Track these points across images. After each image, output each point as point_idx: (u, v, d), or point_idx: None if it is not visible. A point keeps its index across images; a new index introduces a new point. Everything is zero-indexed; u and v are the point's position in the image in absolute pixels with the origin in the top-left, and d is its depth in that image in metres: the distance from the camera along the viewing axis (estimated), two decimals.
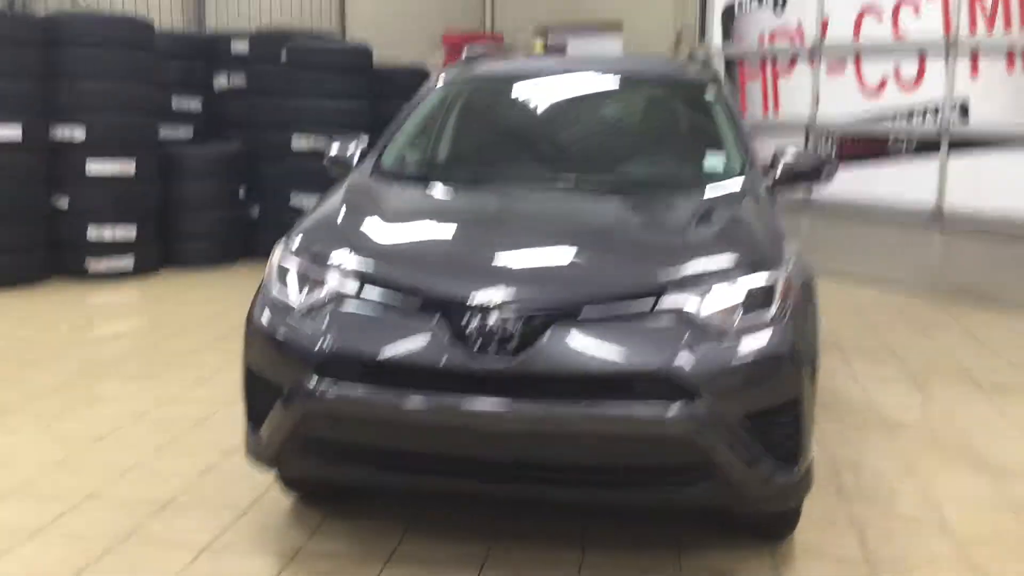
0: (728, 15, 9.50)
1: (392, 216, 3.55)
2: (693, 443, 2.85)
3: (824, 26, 8.59)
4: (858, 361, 5.91)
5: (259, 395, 3.17)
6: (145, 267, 8.03)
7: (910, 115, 8.05)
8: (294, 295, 3.20)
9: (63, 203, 7.71)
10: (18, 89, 7.39)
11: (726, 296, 3.01)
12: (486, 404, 2.86)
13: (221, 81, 9.21)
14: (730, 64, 9.54)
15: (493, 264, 3.18)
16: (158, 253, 8.23)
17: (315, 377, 2.99)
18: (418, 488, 3.42)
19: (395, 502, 3.67)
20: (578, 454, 2.95)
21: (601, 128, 4.44)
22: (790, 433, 3.01)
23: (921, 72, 7.94)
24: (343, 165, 4.24)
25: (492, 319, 2.89)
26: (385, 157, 4.15)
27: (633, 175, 4.09)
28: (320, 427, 3.03)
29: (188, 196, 8.41)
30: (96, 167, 7.73)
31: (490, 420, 2.86)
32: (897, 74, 8.11)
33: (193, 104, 9.07)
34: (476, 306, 2.93)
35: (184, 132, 8.95)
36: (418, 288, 3.04)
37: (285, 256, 3.35)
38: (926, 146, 7.94)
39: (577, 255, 3.23)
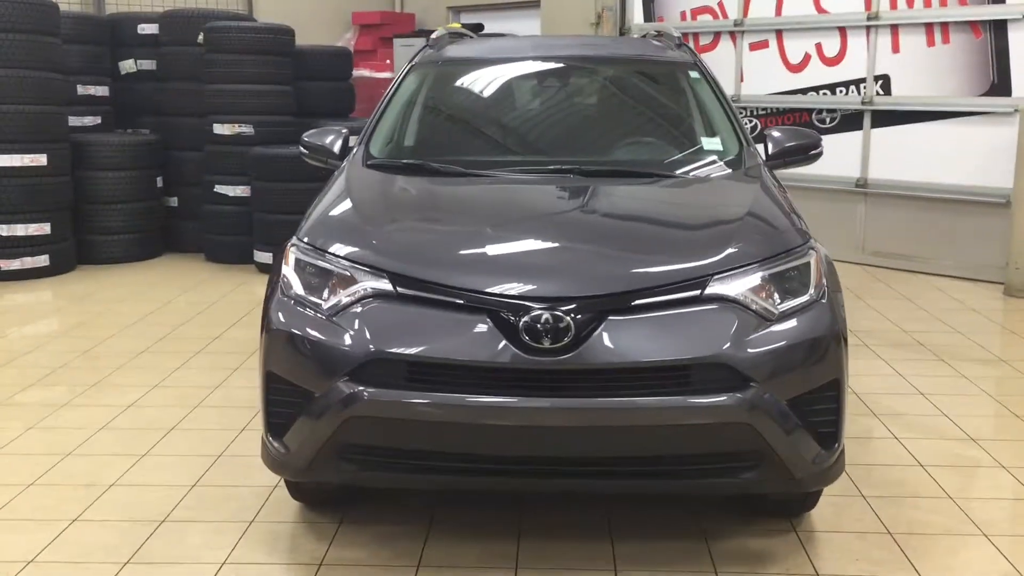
0: None
1: (410, 209, 3.41)
2: (750, 429, 2.82)
3: (746, 3, 8.71)
4: None
5: (284, 402, 2.99)
6: (61, 265, 7.58)
7: (833, 90, 8.25)
8: (320, 294, 3.03)
9: None
10: None
11: (767, 279, 3.00)
12: (543, 402, 2.77)
13: (128, 65, 8.73)
14: None
15: (539, 258, 3.11)
16: (74, 250, 7.78)
17: (356, 380, 2.84)
18: (462, 488, 3.30)
19: (410, 504, 3.54)
20: (634, 446, 2.89)
21: (596, 112, 4.36)
22: (831, 413, 3.02)
23: (843, 48, 8.14)
24: (323, 154, 4.05)
25: (545, 315, 2.80)
26: (373, 146, 3.97)
27: (640, 159, 4.03)
28: (361, 433, 2.88)
29: (102, 188, 7.95)
30: (5, 161, 7.22)
31: (547, 417, 2.78)
32: (820, 50, 8.29)
33: (99, 90, 8.57)
34: (528, 302, 2.84)
35: (91, 120, 8.45)
36: (464, 286, 2.91)
37: (303, 252, 3.17)
38: (850, 120, 8.16)
39: (620, 246, 3.18)
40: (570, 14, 10.30)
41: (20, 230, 7.29)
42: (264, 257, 7.47)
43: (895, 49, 7.83)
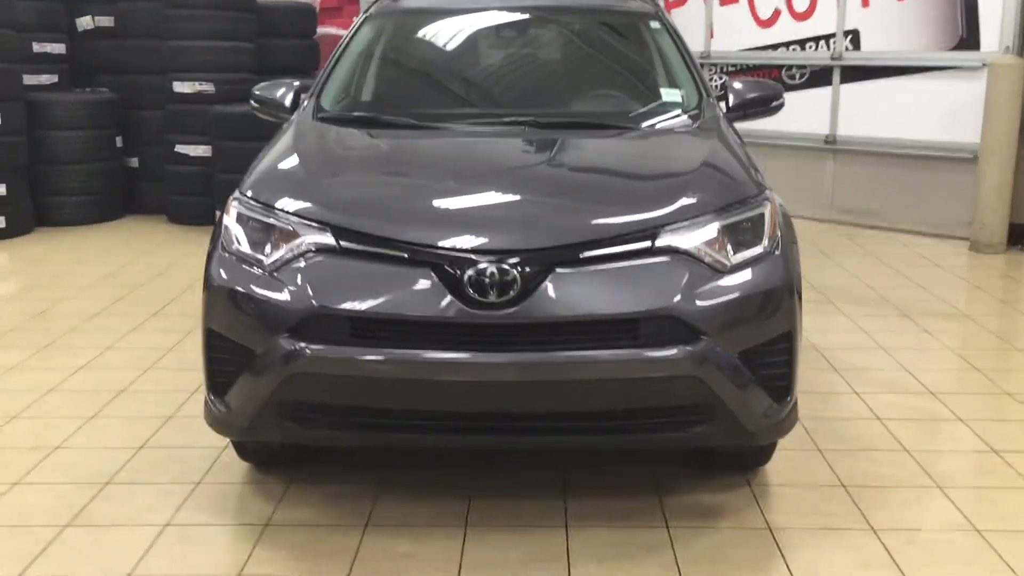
0: None
1: (357, 163, 3.33)
2: (700, 382, 2.78)
3: None
4: None
5: (226, 360, 2.91)
6: (18, 227, 7.41)
7: (803, 45, 8.16)
8: (261, 249, 2.94)
9: None
10: None
11: (720, 231, 2.93)
12: (489, 357, 2.72)
13: (85, 22, 8.52)
14: None
15: (485, 211, 3.04)
16: (31, 212, 7.62)
17: (298, 337, 2.76)
18: (409, 446, 3.25)
19: (360, 464, 3.49)
20: (583, 400, 2.84)
21: (552, 63, 4.27)
22: (783, 366, 2.98)
23: (813, 3, 8.04)
24: (274, 107, 3.94)
25: (491, 268, 2.73)
26: (325, 99, 3.86)
27: (596, 111, 3.95)
28: (303, 390, 2.81)
29: (59, 148, 7.77)
30: None
31: (493, 372, 2.72)
32: (790, 5, 8.19)
33: (56, 48, 8.35)
34: (473, 255, 2.77)
35: (47, 79, 8.24)
36: (408, 239, 2.84)
37: (245, 207, 3.08)
38: (819, 76, 8.09)
39: (569, 197, 3.11)
40: None
41: None
42: None
43: (865, 3, 7.75)
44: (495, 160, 3.45)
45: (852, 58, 7.83)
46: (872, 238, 7.52)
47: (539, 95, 4.04)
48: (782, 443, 3.57)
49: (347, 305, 2.76)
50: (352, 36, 4.19)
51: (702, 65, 8.70)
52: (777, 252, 2.99)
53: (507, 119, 3.70)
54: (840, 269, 6.60)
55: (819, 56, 8.01)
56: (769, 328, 2.91)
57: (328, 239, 2.87)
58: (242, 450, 3.38)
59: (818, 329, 5.17)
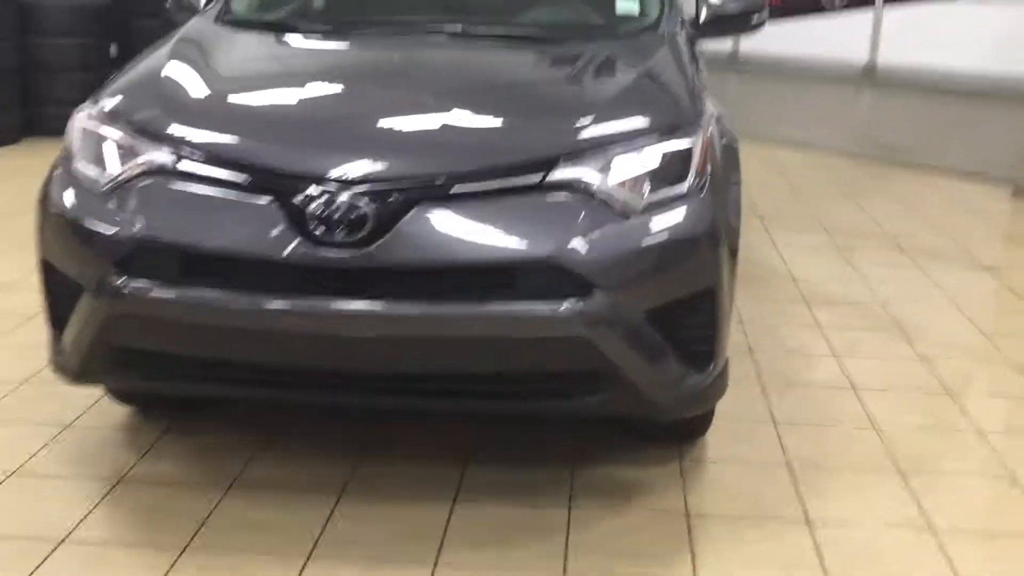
0: None
1: (230, 72, 2.90)
2: (590, 345, 2.34)
3: None
4: (779, 230, 5.49)
5: (59, 294, 2.56)
6: (6, 136, 7.19)
7: None
8: (99, 169, 2.56)
9: None
10: None
11: (632, 166, 2.46)
12: (334, 305, 2.31)
13: None
14: None
15: (343, 130, 2.58)
16: (20, 120, 7.37)
17: (125, 272, 2.39)
18: (262, 400, 2.91)
19: (249, 414, 3.15)
20: (445, 361, 2.43)
21: None
22: (703, 329, 2.53)
23: None
24: (189, 10, 3.54)
25: (339, 198, 2.30)
26: (237, 2, 3.43)
27: (529, 21, 3.45)
28: (128, 334, 2.45)
29: (50, 55, 7.48)
30: None
31: (338, 324, 2.32)
32: None
33: None
34: (319, 182, 2.34)
35: None
36: (247, 160, 2.43)
37: (90, 119, 2.69)
38: None
39: (450, 117, 2.64)
40: None
41: None
42: None
43: None
44: (381, 73, 2.99)
45: None
46: (904, 178, 6.90)
47: (480, 4, 3.56)
48: (732, 412, 3.16)
49: (175, 237, 2.37)
50: None
51: None
52: (704, 193, 2.51)
53: (433, 28, 3.24)
54: (858, 211, 6.03)
55: None
56: (686, 283, 2.46)
57: (165, 156, 2.48)
58: (117, 395, 3.06)
59: (817, 279, 4.68)
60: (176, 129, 2.52)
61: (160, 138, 2.51)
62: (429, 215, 2.32)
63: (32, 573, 2.37)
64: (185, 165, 2.45)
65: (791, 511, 2.73)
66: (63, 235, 2.54)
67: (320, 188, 2.32)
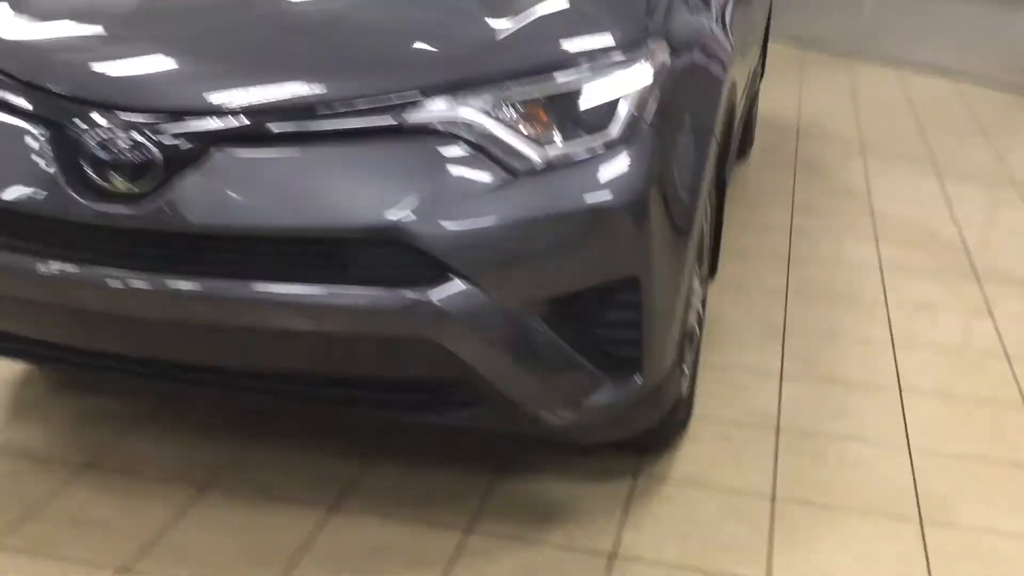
0: None
1: None
2: (438, 348, 1.78)
3: None
4: (883, 171, 4.64)
5: None
6: None
7: None
8: None
9: None
10: None
11: (534, 104, 1.83)
12: (111, 274, 1.80)
13: None
14: None
15: (136, 49, 2.00)
16: None
17: None
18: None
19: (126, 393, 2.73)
20: (262, 356, 1.90)
21: None
22: (623, 329, 1.91)
23: None
24: None
25: (120, 133, 1.77)
26: None
27: None
28: None
29: None
30: None
31: (110, 299, 1.82)
32: None
33: None
34: (98, 109, 1.81)
35: None
36: (17, 77, 1.91)
37: None
38: None
39: (274, 38, 2.02)
40: None
41: None
42: None
43: None
44: None
45: None
46: None
47: None
48: (727, 415, 2.53)
49: None
50: None
51: None
52: (641, 145, 1.85)
53: None
54: (994, 158, 5.05)
55: None
56: (598, 269, 1.83)
57: None
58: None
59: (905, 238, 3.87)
60: None
61: None
62: (234, 162, 1.76)
63: None
64: None
65: (750, 562, 2.11)
66: None
67: (98, 118, 1.78)
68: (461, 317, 1.73)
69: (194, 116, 1.78)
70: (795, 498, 2.32)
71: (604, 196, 1.80)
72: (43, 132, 1.83)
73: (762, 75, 5.13)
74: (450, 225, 1.72)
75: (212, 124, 1.78)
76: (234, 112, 1.79)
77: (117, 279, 1.78)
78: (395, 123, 1.77)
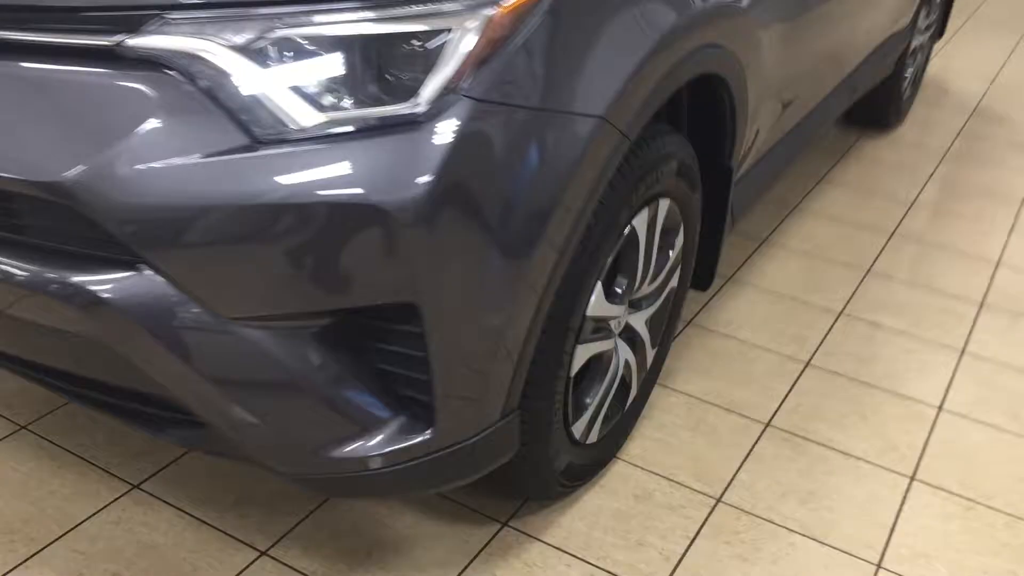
0: None
1: None
2: (106, 349, 1.38)
3: None
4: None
5: None
6: None
7: None
8: None
9: None
10: None
11: (310, 48, 1.33)
12: None
13: None
14: None
15: None
16: None
17: None
18: None
19: None
20: None
21: None
22: (400, 364, 1.42)
23: None
24: None
25: None
26: None
27: None
28: None
29: None
30: None
31: None
32: None
33: None
34: None
35: None
36: None
37: None
38: None
39: None
40: None
41: None
42: None
43: None
44: None
45: None
46: None
47: None
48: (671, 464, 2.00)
49: None
50: None
51: None
52: (441, 127, 1.32)
53: None
54: None
55: None
56: (357, 287, 1.34)
57: None
58: None
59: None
60: None
61: None
62: None
63: None
64: None
65: None
66: None
67: None
68: (139, 316, 1.31)
69: None
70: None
71: (371, 189, 1.29)
72: None
73: (940, 33, 4.23)
74: (141, 194, 1.28)
75: None
76: None
77: None
78: (109, 46, 1.33)
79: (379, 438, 1.44)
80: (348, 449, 1.43)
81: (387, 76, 1.34)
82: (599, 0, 1.49)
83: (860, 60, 3.06)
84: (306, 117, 1.31)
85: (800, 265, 2.99)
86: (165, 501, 1.89)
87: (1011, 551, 1.99)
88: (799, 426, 2.28)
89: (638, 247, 1.83)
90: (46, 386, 1.62)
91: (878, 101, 3.76)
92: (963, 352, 2.61)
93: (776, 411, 2.32)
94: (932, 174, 3.67)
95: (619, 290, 1.85)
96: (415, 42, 1.33)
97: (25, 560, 1.74)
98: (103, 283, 1.31)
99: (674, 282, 2.09)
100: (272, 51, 1.32)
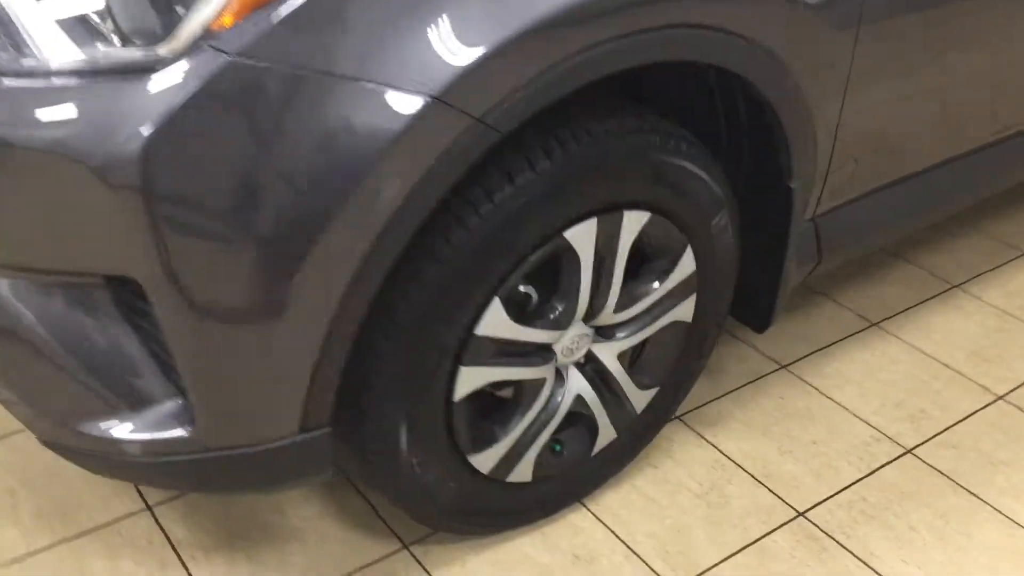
0: None
1: None
2: None
3: None
4: None
5: None
6: None
7: None
8: None
9: None
10: None
11: None
12: None
13: None
14: None
15: None
16: None
17: None
18: None
19: None
20: None
21: None
22: (158, 346, 1.24)
23: None
24: None
25: None
26: None
27: None
28: None
29: None
30: None
31: None
32: None
33: None
34: None
35: None
36: None
37: None
38: None
39: None
40: None
41: None
42: None
43: None
44: None
45: None
46: None
47: None
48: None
49: None
50: None
51: None
52: (187, 73, 1.08)
53: None
54: None
55: None
56: (74, 250, 1.17)
57: None
58: None
59: None
60: None
61: None
62: None
63: None
64: None
65: None
66: None
67: None
68: None
69: None
70: None
71: (79, 139, 1.09)
72: None
73: None
74: None
75: None
76: None
77: None
78: None
79: (135, 423, 1.28)
80: (100, 427, 1.29)
81: (146, 16, 1.15)
82: None
83: None
84: (52, 52, 1.16)
85: (987, 324, 2.35)
86: None
87: None
88: (841, 527, 1.78)
89: (578, 266, 1.48)
90: None
91: None
92: None
93: (823, 501, 1.84)
94: None
95: (552, 315, 1.52)
96: None
97: None
98: None
99: (683, 315, 1.70)
100: None
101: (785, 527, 1.78)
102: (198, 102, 1.10)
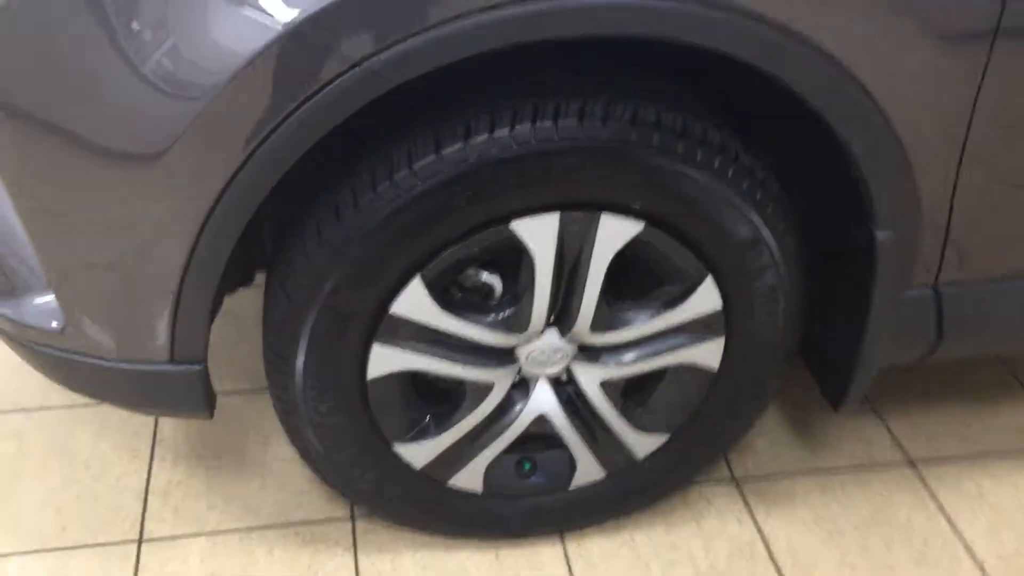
0: None
1: None
2: None
3: None
4: None
5: None
6: None
7: None
8: None
9: None
10: None
11: None
12: None
13: None
14: None
15: None
16: None
17: None
18: None
19: None
20: None
21: None
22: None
23: None
24: None
25: None
26: None
27: None
28: None
29: None
30: None
31: None
32: None
33: None
34: None
35: None
36: None
37: None
38: None
39: None
40: None
41: None
42: None
43: None
44: None
45: None
46: None
47: None
48: None
49: None
50: None
51: None
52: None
53: None
54: None
55: None
56: None
57: None
58: None
59: None
60: None
61: None
62: None
63: None
64: None
65: None
66: None
67: None
68: None
69: None
70: None
71: None
72: None
73: None
74: None
75: None
76: None
77: None
78: None
79: (13, 308, 1.29)
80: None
81: None
82: None
83: None
84: None
85: None
86: None
87: None
88: None
89: (531, 265, 1.24)
90: None
91: None
92: None
93: None
94: None
95: (500, 314, 1.29)
96: None
97: None
98: None
99: (702, 360, 1.37)
100: None
101: None
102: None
